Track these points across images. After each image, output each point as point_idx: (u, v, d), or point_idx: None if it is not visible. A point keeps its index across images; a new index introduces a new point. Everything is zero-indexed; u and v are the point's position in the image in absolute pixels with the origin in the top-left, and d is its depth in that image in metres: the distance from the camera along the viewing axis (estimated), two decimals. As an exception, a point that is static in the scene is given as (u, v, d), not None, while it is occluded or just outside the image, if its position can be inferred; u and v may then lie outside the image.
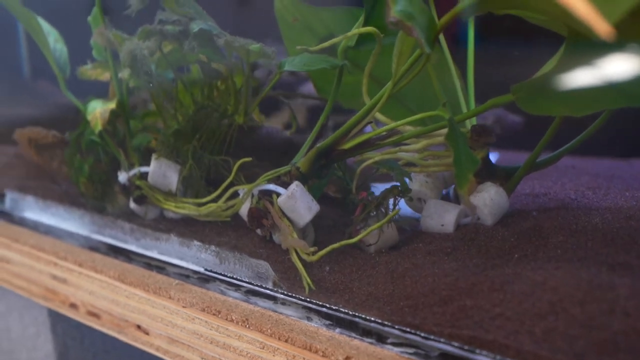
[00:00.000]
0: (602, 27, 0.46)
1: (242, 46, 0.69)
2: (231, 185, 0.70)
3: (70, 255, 0.82)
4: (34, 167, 1.04)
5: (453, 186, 0.71)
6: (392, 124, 0.65)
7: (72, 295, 0.80)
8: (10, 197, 1.00)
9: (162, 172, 0.76)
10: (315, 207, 0.65)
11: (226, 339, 0.62)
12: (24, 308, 1.02)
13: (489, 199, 0.64)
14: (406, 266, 0.60)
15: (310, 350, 0.56)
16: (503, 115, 0.99)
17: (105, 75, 0.84)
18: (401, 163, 0.69)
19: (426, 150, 0.68)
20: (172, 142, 0.76)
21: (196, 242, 0.72)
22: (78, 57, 0.88)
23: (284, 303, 0.64)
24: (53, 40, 0.91)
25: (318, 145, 0.67)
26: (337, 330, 0.58)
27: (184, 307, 0.67)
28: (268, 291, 0.65)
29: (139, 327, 0.72)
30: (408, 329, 0.54)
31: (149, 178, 0.77)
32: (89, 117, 0.82)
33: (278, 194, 0.66)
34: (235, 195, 0.70)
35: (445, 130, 0.64)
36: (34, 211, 0.95)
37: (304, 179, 0.66)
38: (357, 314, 0.57)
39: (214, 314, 0.65)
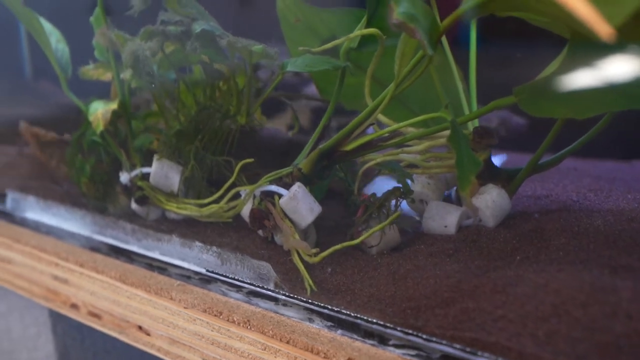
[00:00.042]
0: (604, 29, 0.46)
1: (244, 47, 0.69)
2: (233, 186, 0.70)
3: (72, 255, 0.82)
4: (35, 166, 1.04)
5: (455, 188, 0.71)
6: (395, 126, 0.65)
7: (73, 296, 0.80)
8: (11, 197, 1.00)
9: (164, 173, 0.76)
10: (317, 209, 0.65)
11: (227, 340, 0.62)
12: (24, 308, 1.02)
13: (490, 201, 0.64)
14: (408, 268, 0.60)
15: (311, 351, 0.56)
16: (508, 117, 0.98)
17: (107, 76, 0.84)
18: (403, 164, 0.68)
19: (428, 152, 0.68)
20: (174, 142, 0.76)
21: (198, 243, 0.72)
22: (80, 57, 0.88)
23: (285, 304, 0.63)
24: (55, 40, 0.91)
25: (320, 146, 0.67)
26: (339, 331, 0.58)
27: (185, 308, 0.67)
28: (270, 292, 0.65)
29: (140, 327, 0.72)
30: (410, 331, 0.54)
31: (151, 179, 0.77)
32: (91, 118, 0.81)
33: (280, 195, 0.66)
34: (237, 196, 0.70)
35: (447, 132, 0.64)
36: (36, 211, 0.95)
37: (306, 180, 0.66)
38: (359, 315, 0.57)
39: (215, 315, 0.64)
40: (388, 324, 0.55)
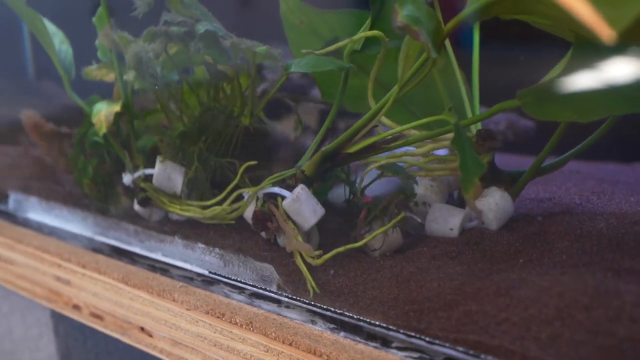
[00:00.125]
0: (607, 32, 0.46)
1: (248, 48, 0.69)
2: (236, 188, 0.70)
3: (74, 256, 0.82)
4: (38, 167, 1.04)
5: (457, 190, 0.71)
6: (398, 128, 0.65)
7: (76, 297, 0.80)
8: (13, 198, 1.00)
9: (166, 174, 0.76)
10: (320, 211, 0.65)
11: (230, 342, 0.62)
12: (26, 309, 1.02)
13: (493, 204, 0.64)
14: (411, 270, 0.60)
15: (314, 354, 0.56)
16: (515, 120, 0.98)
17: (110, 76, 0.84)
18: (406, 167, 0.68)
19: (431, 155, 0.68)
20: (177, 144, 0.76)
21: (200, 245, 0.72)
22: (83, 58, 0.88)
23: (288, 306, 0.64)
24: (58, 41, 0.91)
25: (323, 148, 0.67)
26: (342, 334, 0.58)
27: (187, 309, 0.67)
28: (272, 294, 0.65)
29: (142, 329, 0.72)
30: (413, 334, 0.53)
31: (154, 180, 0.77)
32: (94, 120, 0.81)
33: (283, 197, 0.66)
34: (240, 198, 0.70)
35: (450, 135, 0.64)
36: (38, 212, 0.95)
37: (309, 182, 0.66)
38: (361, 317, 0.57)
39: (217, 317, 0.65)
40: (391, 327, 0.55)
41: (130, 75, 0.74)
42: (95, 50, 0.85)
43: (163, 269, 0.76)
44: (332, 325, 0.59)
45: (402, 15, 0.52)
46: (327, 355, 0.55)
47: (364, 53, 0.68)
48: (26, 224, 0.97)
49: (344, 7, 0.79)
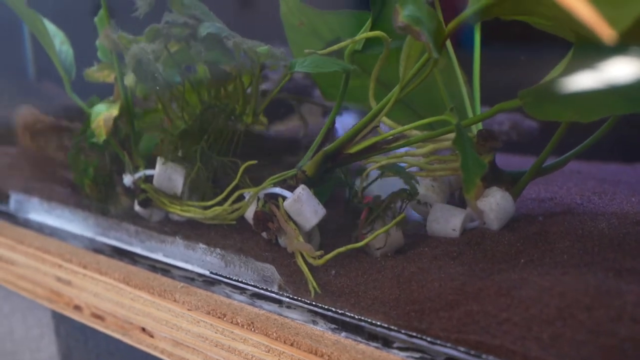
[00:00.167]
0: (607, 32, 0.46)
1: (250, 48, 0.69)
2: (237, 188, 0.70)
3: (75, 257, 0.82)
4: (39, 167, 1.04)
5: (458, 190, 0.71)
6: (399, 128, 0.65)
7: (77, 297, 0.80)
8: (14, 198, 1.00)
9: (167, 175, 0.76)
10: (321, 211, 0.65)
11: (231, 342, 0.62)
12: (27, 309, 1.02)
13: (495, 204, 0.64)
14: (412, 270, 0.60)
15: (315, 354, 0.56)
16: (519, 121, 0.98)
17: (112, 78, 0.84)
18: (407, 167, 0.68)
19: (432, 155, 0.68)
20: (178, 142, 0.76)
21: (201, 245, 0.72)
22: (84, 58, 0.88)
23: (289, 306, 0.64)
24: (59, 42, 0.91)
25: (324, 148, 0.67)
26: (343, 334, 0.58)
27: (189, 310, 0.67)
28: (273, 294, 0.65)
29: (143, 329, 0.72)
30: (414, 334, 0.54)
31: (154, 181, 0.77)
32: (93, 125, 0.81)
33: (284, 198, 0.66)
34: (241, 198, 0.70)
35: (451, 135, 0.64)
36: (39, 213, 0.95)
37: (310, 182, 0.66)
38: (363, 318, 0.57)
39: (219, 317, 0.65)
40: (392, 327, 0.55)
41: (129, 80, 0.74)
42: (95, 51, 0.85)
43: (164, 269, 0.76)
44: (333, 326, 0.59)
45: (403, 15, 0.52)
46: (329, 356, 0.55)
47: (365, 53, 0.68)
48: (27, 224, 0.97)
49: (344, 7, 0.79)
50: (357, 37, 0.66)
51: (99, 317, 0.78)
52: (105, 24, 0.81)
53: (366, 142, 0.65)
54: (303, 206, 0.64)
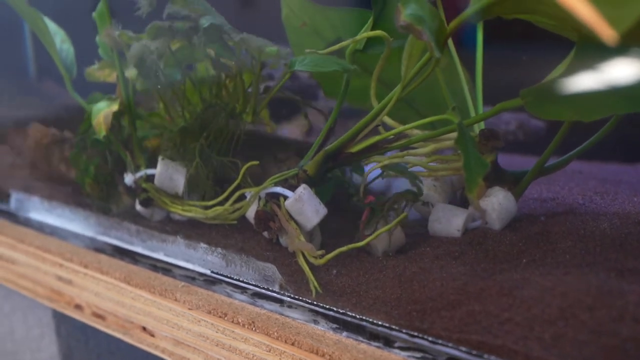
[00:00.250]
0: (608, 32, 0.46)
1: (258, 47, 0.68)
2: (238, 187, 0.70)
3: (76, 256, 0.82)
4: (38, 167, 1.04)
5: (460, 190, 0.71)
6: (401, 128, 0.65)
7: (78, 297, 0.80)
8: (15, 197, 1.00)
9: (168, 174, 0.76)
10: (322, 210, 0.65)
11: (232, 342, 0.62)
12: (28, 309, 1.02)
13: (497, 204, 0.64)
14: (414, 270, 0.60)
15: (317, 353, 0.56)
16: (526, 120, 0.98)
17: (113, 77, 0.84)
18: (409, 167, 0.68)
19: (434, 154, 0.68)
20: (178, 140, 0.76)
21: (203, 245, 0.72)
22: (85, 57, 0.88)
23: (290, 306, 0.63)
24: (60, 40, 0.91)
25: (326, 148, 0.67)
26: (344, 334, 0.58)
27: (189, 309, 0.67)
28: (275, 294, 0.65)
29: (144, 328, 0.72)
30: (416, 333, 0.53)
31: (156, 181, 0.77)
32: (93, 122, 0.81)
33: (285, 197, 0.66)
34: (242, 198, 0.70)
35: (453, 134, 0.64)
36: (40, 212, 0.95)
37: (311, 182, 0.66)
38: (364, 317, 0.57)
39: (220, 317, 0.64)
40: (394, 326, 0.55)
41: (131, 73, 0.74)
42: (96, 49, 0.85)
43: (165, 268, 0.76)
44: (334, 325, 0.59)
45: (405, 14, 0.52)
46: (330, 355, 0.55)
47: (367, 53, 0.68)
48: (28, 223, 0.97)
49: (345, 5, 0.79)
50: (358, 37, 0.66)
51: (99, 316, 0.78)
52: (105, 20, 0.80)
53: (367, 142, 0.65)
54: (304, 205, 0.64)
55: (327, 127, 0.70)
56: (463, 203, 0.69)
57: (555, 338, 0.46)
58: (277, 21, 0.81)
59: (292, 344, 0.58)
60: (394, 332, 0.55)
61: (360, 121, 0.65)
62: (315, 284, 0.61)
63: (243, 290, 0.68)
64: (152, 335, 0.71)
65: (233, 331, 0.62)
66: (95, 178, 0.87)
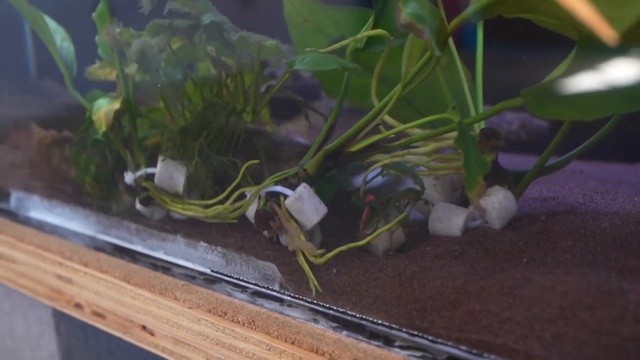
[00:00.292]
0: (608, 32, 0.46)
1: (257, 42, 0.68)
2: (238, 186, 0.70)
3: (76, 255, 0.82)
4: (39, 166, 1.04)
5: (461, 189, 0.71)
6: (401, 127, 0.65)
7: (77, 295, 0.80)
8: (15, 196, 1.00)
9: (168, 173, 0.76)
10: (322, 210, 0.65)
11: (232, 341, 0.62)
12: (28, 307, 1.02)
13: (497, 203, 0.64)
14: (414, 269, 0.60)
15: (317, 352, 0.56)
16: (528, 120, 0.98)
17: (114, 75, 0.84)
18: (409, 166, 0.68)
19: (434, 153, 0.68)
20: (178, 140, 0.76)
21: (202, 244, 0.72)
22: (85, 55, 0.88)
23: (290, 305, 0.63)
24: (60, 38, 0.90)
25: (326, 147, 0.67)
26: (344, 333, 0.58)
27: (189, 308, 0.67)
28: (275, 293, 0.65)
29: (144, 327, 0.72)
30: (416, 332, 0.53)
31: (156, 179, 0.77)
32: (94, 118, 0.81)
33: (285, 196, 0.66)
34: (242, 196, 0.70)
35: (453, 134, 0.64)
36: (40, 211, 0.95)
37: (311, 180, 0.66)
38: (364, 316, 0.57)
39: (220, 316, 0.64)
40: (394, 325, 0.55)
41: (132, 69, 0.74)
42: (96, 47, 0.85)
43: (165, 267, 0.76)
44: (334, 324, 0.59)
45: (405, 13, 0.52)
46: (330, 354, 0.55)
47: (367, 51, 0.68)
48: (27, 222, 0.97)
49: (347, 5, 0.79)
50: (359, 36, 0.66)
51: (99, 315, 0.78)
52: (105, 20, 0.80)
53: (368, 141, 0.65)
54: (304, 204, 0.64)
55: (328, 126, 0.70)
56: (463, 202, 0.69)
57: (555, 337, 0.46)
58: (277, 20, 0.81)
59: (292, 343, 0.58)
60: (394, 331, 0.55)
61: (361, 120, 0.65)
62: (315, 282, 0.61)
63: (243, 289, 0.68)
64: (152, 334, 0.71)
65: (233, 330, 0.62)
66: (96, 177, 0.87)
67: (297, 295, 0.63)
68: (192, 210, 0.75)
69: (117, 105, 0.80)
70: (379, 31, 0.63)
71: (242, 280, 0.68)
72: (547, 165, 0.67)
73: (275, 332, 0.59)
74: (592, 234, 0.59)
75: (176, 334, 0.68)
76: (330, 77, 0.78)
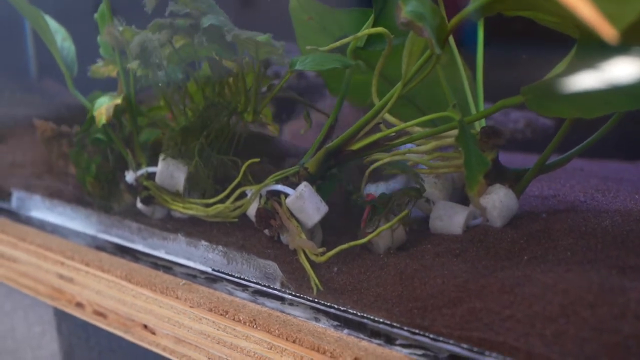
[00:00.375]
0: (608, 30, 0.46)
1: (249, 38, 0.68)
2: (239, 185, 0.70)
3: (77, 254, 0.82)
4: (41, 165, 1.04)
5: (461, 187, 0.71)
6: (402, 125, 0.65)
7: (79, 295, 0.80)
8: (16, 196, 1.00)
9: (169, 172, 0.76)
10: (323, 208, 0.65)
11: (233, 340, 0.62)
12: (29, 307, 1.02)
13: (498, 201, 0.64)
14: (415, 267, 0.60)
15: (318, 351, 0.56)
16: (534, 119, 0.98)
17: (116, 72, 0.84)
18: (410, 164, 0.68)
19: (435, 152, 0.68)
20: (179, 139, 0.76)
21: (204, 242, 0.72)
22: (86, 55, 0.88)
23: (291, 304, 0.63)
24: (61, 38, 0.90)
25: (327, 145, 0.67)
26: (345, 331, 0.58)
27: (191, 307, 0.67)
28: (276, 292, 0.65)
29: (145, 326, 0.72)
30: (417, 331, 0.53)
31: (157, 178, 0.77)
32: (95, 113, 0.81)
33: (286, 195, 0.66)
34: (243, 195, 0.70)
35: (454, 132, 0.64)
36: (41, 210, 0.95)
37: (312, 179, 0.66)
38: (365, 315, 0.57)
39: (221, 314, 0.64)
40: (395, 324, 0.55)
41: (133, 64, 0.74)
42: (97, 48, 0.85)
43: (166, 266, 0.76)
44: (335, 323, 0.59)
45: (406, 11, 0.52)
46: (331, 352, 0.55)
47: (369, 50, 0.68)
48: (29, 221, 0.97)
49: (349, 4, 0.79)
50: (360, 34, 0.66)
51: (101, 314, 0.78)
52: (106, 20, 0.80)
53: (368, 139, 0.65)
54: (305, 203, 0.64)
55: (328, 125, 0.70)
56: (464, 200, 0.69)
57: (556, 335, 0.46)
58: (278, 20, 0.81)
59: (294, 342, 0.58)
60: (395, 330, 0.55)
61: (362, 118, 0.65)
62: (317, 281, 0.61)
63: (244, 288, 0.68)
64: (153, 333, 0.71)
65: (234, 329, 0.62)
66: (97, 176, 0.87)
67: (298, 294, 0.63)
68: (193, 209, 0.75)
69: (118, 100, 0.80)
70: (378, 29, 0.63)
71: (243, 279, 0.68)
72: (548, 163, 0.67)
73: (277, 331, 0.60)
74: (593, 231, 0.59)
75: (177, 333, 0.68)
76: (333, 76, 0.78)
